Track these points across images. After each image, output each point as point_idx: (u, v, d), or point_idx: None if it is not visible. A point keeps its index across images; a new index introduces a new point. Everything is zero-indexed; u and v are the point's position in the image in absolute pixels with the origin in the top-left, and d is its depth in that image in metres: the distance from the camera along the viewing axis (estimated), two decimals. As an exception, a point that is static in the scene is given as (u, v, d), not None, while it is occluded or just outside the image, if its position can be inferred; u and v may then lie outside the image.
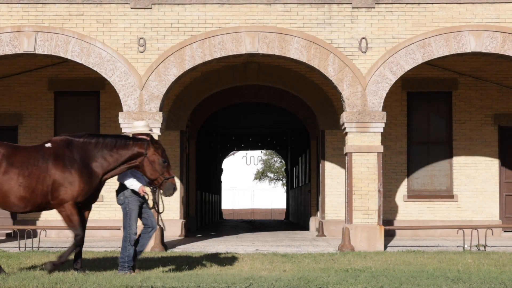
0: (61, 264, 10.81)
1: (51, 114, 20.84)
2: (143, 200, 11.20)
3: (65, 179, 10.63)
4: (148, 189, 11.30)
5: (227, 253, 14.96)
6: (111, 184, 20.80)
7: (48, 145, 10.86)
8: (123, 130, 16.77)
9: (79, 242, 10.79)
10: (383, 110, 16.90)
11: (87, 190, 10.76)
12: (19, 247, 16.10)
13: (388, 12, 16.96)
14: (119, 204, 11.25)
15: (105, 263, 12.75)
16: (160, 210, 11.66)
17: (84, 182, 10.69)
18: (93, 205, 20.38)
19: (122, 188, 11.22)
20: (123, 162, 10.90)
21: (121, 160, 10.89)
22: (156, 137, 11.74)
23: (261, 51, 16.85)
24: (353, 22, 16.94)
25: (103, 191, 20.36)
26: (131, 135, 11.38)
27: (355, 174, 16.62)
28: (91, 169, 10.78)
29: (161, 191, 11.03)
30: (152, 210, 11.35)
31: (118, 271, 11.10)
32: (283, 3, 16.93)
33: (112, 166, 10.88)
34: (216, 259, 13.38)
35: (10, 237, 19.59)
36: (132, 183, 11.09)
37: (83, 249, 15.96)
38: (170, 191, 10.91)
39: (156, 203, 11.36)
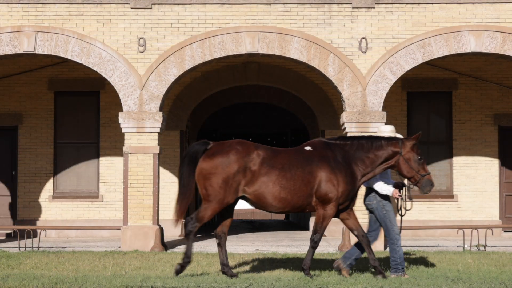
0: (308, 267, 10.71)
1: (51, 114, 20.83)
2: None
3: (330, 180, 10.49)
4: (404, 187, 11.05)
5: (227, 253, 14.91)
6: (111, 184, 20.84)
7: (308, 148, 10.73)
8: (123, 130, 16.78)
9: (317, 244, 10.65)
10: (383, 110, 16.89)
11: (349, 191, 10.62)
12: (19, 247, 16.10)
13: (388, 12, 16.96)
14: (370, 208, 10.99)
15: (105, 263, 12.74)
16: (403, 213, 11.25)
17: (347, 183, 10.55)
18: (93, 205, 20.42)
19: (370, 193, 11.01)
20: (380, 163, 10.74)
21: (377, 161, 10.72)
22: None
23: (261, 51, 16.84)
24: (353, 22, 16.94)
25: (103, 192, 20.47)
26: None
27: (355, 174, 16.59)
28: (353, 170, 10.64)
29: (417, 188, 10.82)
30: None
31: (391, 273, 10.85)
32: (283, 3, 16.92)
33: (369, 168, 10.72)
34: (216, 259, 13.37)
35: (10, 237, 19.57)
36: (384, 188, 10.85)
37: (83, 249, 16.02)
38: (428, 188, 10.68)
39: (400, 207, 11.09)
